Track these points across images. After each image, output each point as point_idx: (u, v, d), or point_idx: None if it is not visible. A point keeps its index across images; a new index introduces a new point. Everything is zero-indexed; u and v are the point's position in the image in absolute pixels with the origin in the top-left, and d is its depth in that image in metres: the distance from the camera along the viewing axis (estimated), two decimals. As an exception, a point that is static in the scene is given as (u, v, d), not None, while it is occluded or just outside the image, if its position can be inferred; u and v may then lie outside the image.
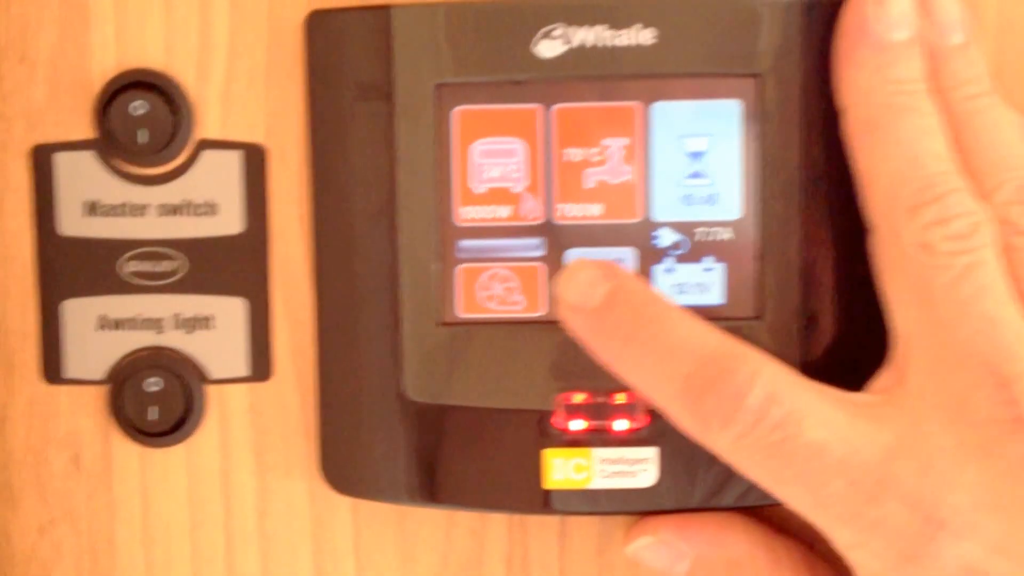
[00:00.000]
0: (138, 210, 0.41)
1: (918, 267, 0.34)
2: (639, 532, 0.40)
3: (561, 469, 0.40)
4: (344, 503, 0.43)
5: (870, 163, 0.36)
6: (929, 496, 0.32)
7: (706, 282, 0.39)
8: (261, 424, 0.42)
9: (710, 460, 0.39)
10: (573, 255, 0.39)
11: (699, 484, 0.40)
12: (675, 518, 0.40)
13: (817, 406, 0.34)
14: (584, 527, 0.42)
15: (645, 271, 0.39)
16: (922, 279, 0.34)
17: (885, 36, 0.36)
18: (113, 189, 0.41)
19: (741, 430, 0.33)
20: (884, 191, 0.35)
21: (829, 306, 0.39)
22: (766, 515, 0.41)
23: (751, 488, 0.39)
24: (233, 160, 0.41)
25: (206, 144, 0.41)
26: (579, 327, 0.36)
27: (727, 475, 0.40)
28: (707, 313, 0.39)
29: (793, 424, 0.33)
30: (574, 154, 0.39)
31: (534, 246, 0.40)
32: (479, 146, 0.39)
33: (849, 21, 0.37)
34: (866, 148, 0.36)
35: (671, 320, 0.35)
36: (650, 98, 0.39)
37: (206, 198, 0.41)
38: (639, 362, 0.35)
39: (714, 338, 0.35)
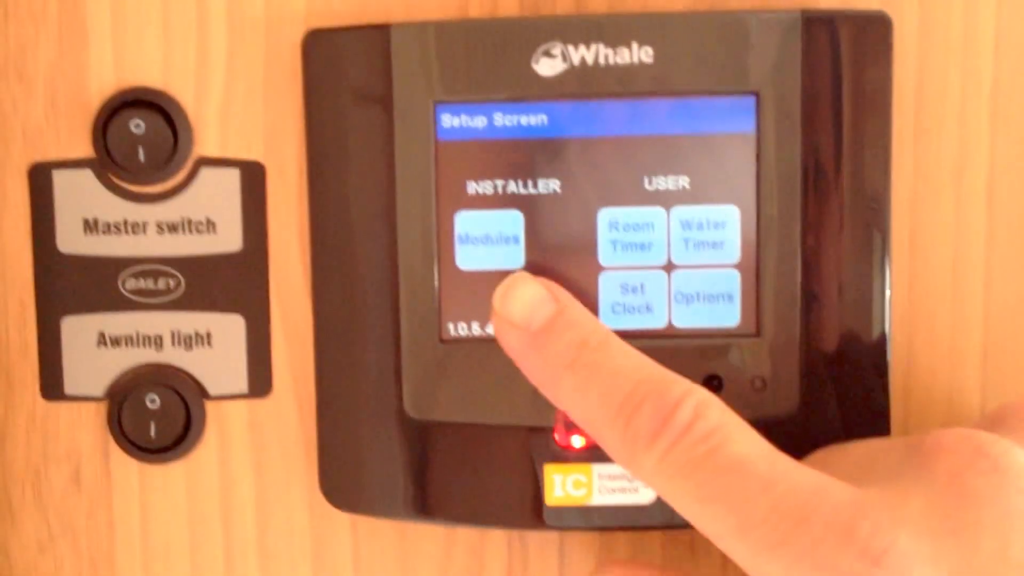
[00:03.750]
0: (137, 227, 0.42)
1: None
2: (598, 572, 0.39)
3: (561, 485, 0.40)
4: (343, 519, 0.43)
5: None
6: (864, 527, 0.30)
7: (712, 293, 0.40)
8: (260, 440, 0.43)
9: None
10: (575, 268, 0.40)
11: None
12: (629, 568, 0.39)
13: (745, 429, 0.33)
14: (583, 543, 0.43)
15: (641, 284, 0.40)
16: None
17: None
18: (112, 207, 0.41)
19: (666, 446, 0.33)
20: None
21: (828, 324, 0.39)
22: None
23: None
24: (232, 178, 0.41)
25: (205, 162, 0.41)
26: (514, 344, 0.36)
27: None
28: (704, 333, 0.40)
29: (718, 437, 0.32)
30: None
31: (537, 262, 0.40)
32: (477, 164, 0.40)
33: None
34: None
35: (611, 349, 0.35)
36: (649, 118, 0.39)
37: (205, 215, 0.42)
38: (576, 387, 0.35)
39: (651, 366, 0.35)
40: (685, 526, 0.40)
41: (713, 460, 0.32)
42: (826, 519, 0.30)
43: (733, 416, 0.33)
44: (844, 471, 0.33)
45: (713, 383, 0.40)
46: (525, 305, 0.36)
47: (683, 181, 0.39)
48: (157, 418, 0.42)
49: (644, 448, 0.33)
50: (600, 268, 0.40)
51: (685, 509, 0.33)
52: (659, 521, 0.40)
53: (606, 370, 0.35)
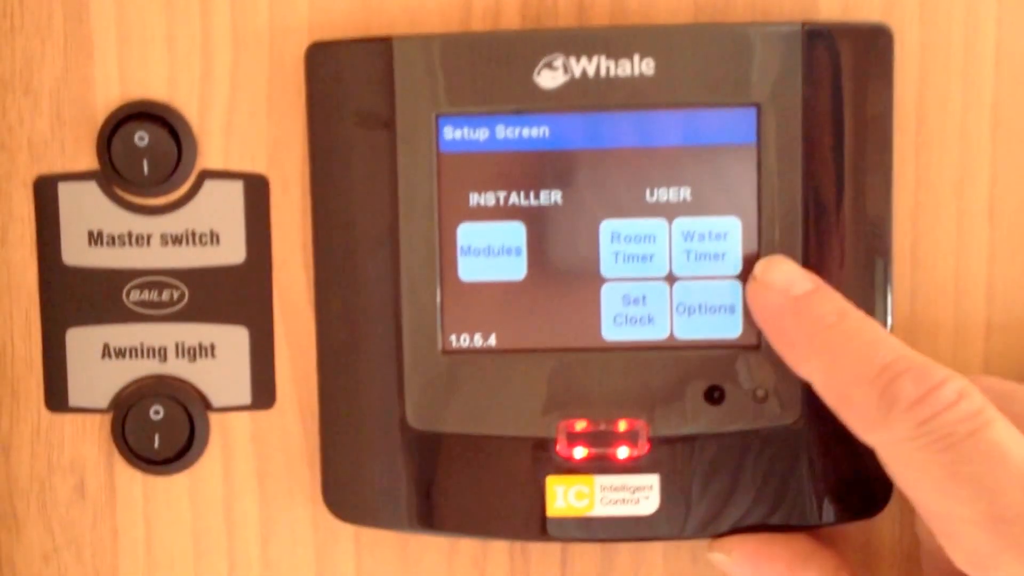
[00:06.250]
0: (141, 240, 0.42)
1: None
2: (718, 547, 0.40)
3: (563, 496, 0.40)
4: (346, 530, 0.43)
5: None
6: None
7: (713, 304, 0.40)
8: (263, 452, 0.43)
9: (709, 485, 0.40)
10: (577, 279, 0.40)
11: (700, 510, 0.40)
12: (753, 542, 0.40)
13: (1005, 420, 0.33)
14: (585, 554, 0.43)
15: (643, 296, 0.40)
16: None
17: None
18: (116, 219, 0.42)
19: (928, 415, 0.33)
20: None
21: None
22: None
23: (748, 513, 0.40)
24: (235, 190, 0.42)
25: (208, 174, 0.42)
26: (770, 305, 0.37)
27: (728, 501, 0.40)
28: (706, 344, 0.40)
29: (982, 420, 0.32)
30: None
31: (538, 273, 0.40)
32: (480, 176, 0.40)
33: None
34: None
35: (873, 323, 0.36)
36: (651, 130, 0.39)
37: (209, 227, 0.42)
38: (836, 347, 0.35)
39: (911, 350, 0.35)
40: (686, 538, 0.40)
41: (974, 440, 0.32)
42: None
43: (993, 407, 0.33)
44: None
45: (715, 394, 0.40)
46: (786, 274, 0.38)
47: (685, 192, 0.39)
48: (161, 430, 0.42)
49: (902, 411, 0.33)
50: (602, 280, 0.40)
51: (930, 483, 0.33)
52: (660, 532, 0.40)
53: (869, 336, 0.35)
